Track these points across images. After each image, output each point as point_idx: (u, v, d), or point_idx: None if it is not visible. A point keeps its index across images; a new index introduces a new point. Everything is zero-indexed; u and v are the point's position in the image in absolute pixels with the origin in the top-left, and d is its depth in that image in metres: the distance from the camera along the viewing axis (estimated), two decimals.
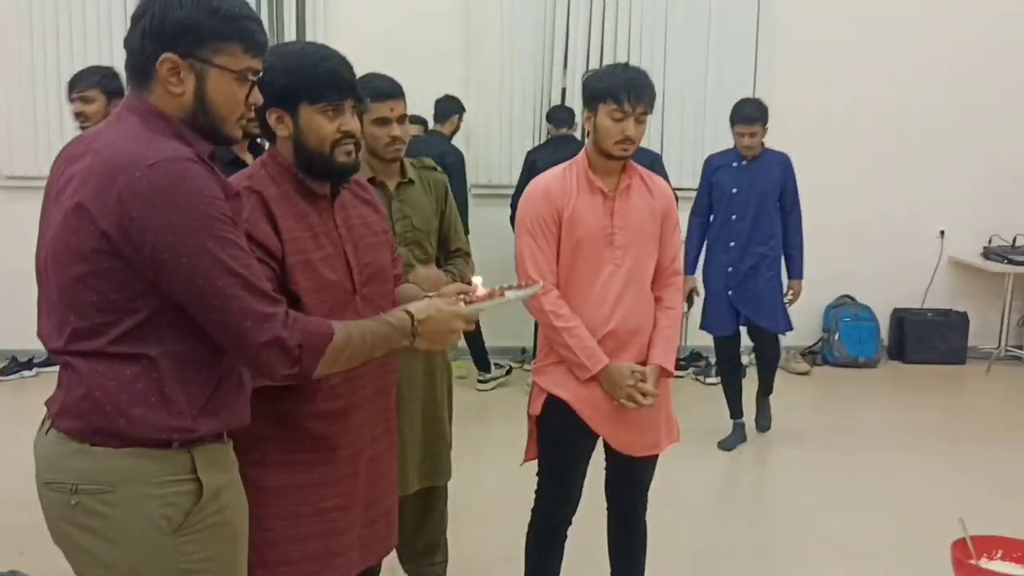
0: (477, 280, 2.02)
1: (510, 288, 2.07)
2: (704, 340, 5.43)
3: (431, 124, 6.07)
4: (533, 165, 5.49)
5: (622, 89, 2.57)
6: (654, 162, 5.42)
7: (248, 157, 2.38)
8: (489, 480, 4.35)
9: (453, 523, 3.17)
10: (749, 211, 4.79)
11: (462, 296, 1.97)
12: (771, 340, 5.00)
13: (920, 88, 6.72)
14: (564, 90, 6.67)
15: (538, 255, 2.62)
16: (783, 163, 4.88)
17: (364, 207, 2.12)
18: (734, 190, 4.82)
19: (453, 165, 5.85)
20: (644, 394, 2.60)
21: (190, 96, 1.59)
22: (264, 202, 1.91)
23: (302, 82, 1.88)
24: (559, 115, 6.19)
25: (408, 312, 1.83)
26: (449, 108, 6.07)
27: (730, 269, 4.83)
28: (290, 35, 6.40)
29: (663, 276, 2.75)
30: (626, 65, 2.67)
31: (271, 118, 1.93)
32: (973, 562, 2.01)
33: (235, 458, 1.74)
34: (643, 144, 3.04)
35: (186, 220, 1.49)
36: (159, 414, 1.57)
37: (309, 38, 6.32)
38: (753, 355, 6.43)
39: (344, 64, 1.95)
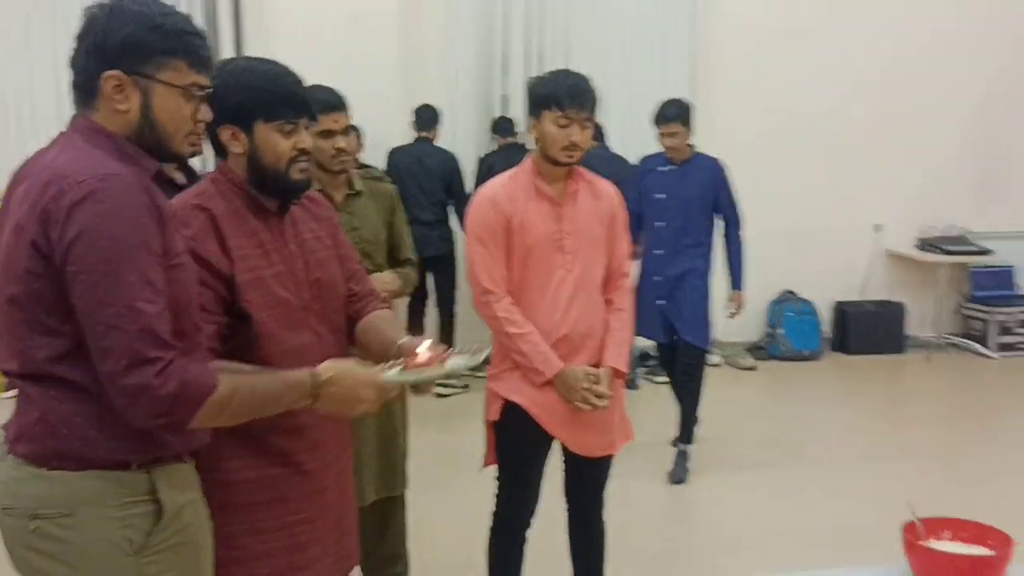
0: (424, 345, 1.94)
1: (458, 353, 2.01)
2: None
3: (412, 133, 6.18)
4: (490, 169, 5.48)
5: (565, 96, 2.60)
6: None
7: (178, 176, 2.36)
8: (448, 487, 4.35)
9: (413, 532, 3.17)
10: (676, 218, 4.51)
11: (397, 363, 1.90)
12: (695, 355, 4.60)
13: (853, 92, 6.88)
14: (504, 97, 6.71)
15: (489, 263, 2.64)
16: (713, 169, 4.62)
17: (314, 222, 2.11)
18: (661, 196, 4.56)
19: (456, 167, 6.07)
20: (599, 396, 2.63)
21: (136, 113, 1.58)
22: (213, 220, 1.89)
23: (258, 99, 1.88)
24: (502, 125, 6.31)
25: (311, 372, 1.75)
26: (435, 115, 6.19)
27: (657, 278, 4.52)
28: (225, 42, 6.33)
29: (613, 279, 2.79)
30: (568, 71, 2.70)
31: (224, 135, 1.91)
32: (923, 543, 2.07)
33: (196, 477, 1.73)
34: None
35: (100, 240, 1.46)
36: (117, 436, 1.56)
37: (246, 47, 6.26)
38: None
39: (299, 82, 1.95)
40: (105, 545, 1.55)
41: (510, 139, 6.21)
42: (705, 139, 6.73)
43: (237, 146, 1.93)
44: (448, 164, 6.11)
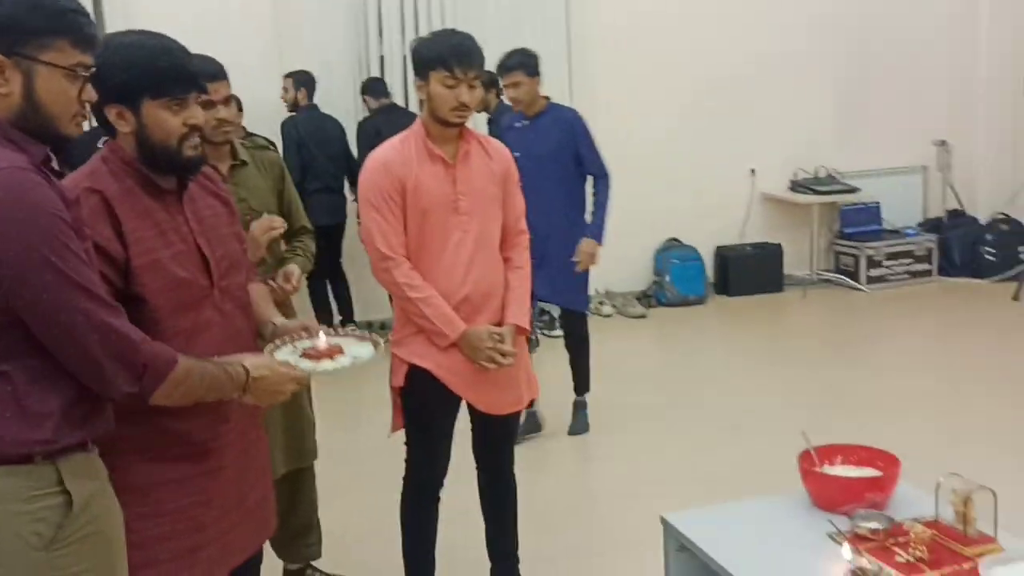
0: (321, 336, 2.04)
1: (347, 336, 2.14)
2: None
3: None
4: (378, 133, 5.33)
5: (452, 56, 2.58)
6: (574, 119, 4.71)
7: None
8: (357, 455, 4.34)
9: (324, 502, 3.17)
10: (531, 177, 3.87)
11: (300, 347, 2.02)
12: (573, 318, 4.52)
13: (725, 43, 7.05)
14: (382, 58, 6.61)
15: (386, 228, 2.63)
16: (568, 121, 4.29)
17: (212, 199, 2.07)
18: (516, 154, 4.02)
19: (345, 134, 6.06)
20: (504, 354, 2.67)
21: (18, 96, 1.51)
22: (105, 202, 1.83)
23: (143, 77, 1.81)
24: (376, 86, 6.21)
25: (244, 368, 1.83)
26: (384, 86, 6.16)
27: None
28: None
29: (510, 237, 2.82)
30: (453, 31, 2.69)
31: (111, 114, 1.84)
32: (818, 469, 2.20)
33: (102, 466, 1.69)
34: None
35: (28, 233, 1.45)
36: (18, 429, 1.52)
37: (108, 14, 5.96)
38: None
39: (186, 55, 1.89)
40: (15, 541, 1.51)
41: (384, 101, 6.14)
42: (582, 91, 6.86)
43: (125, 125, 1.86)
44: (342, 130, 6.07)
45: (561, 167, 4.29)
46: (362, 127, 5.99)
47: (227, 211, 2.12)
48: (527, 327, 2.80)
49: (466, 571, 3.14)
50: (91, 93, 1.61)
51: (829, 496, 2.12)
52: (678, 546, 2.16)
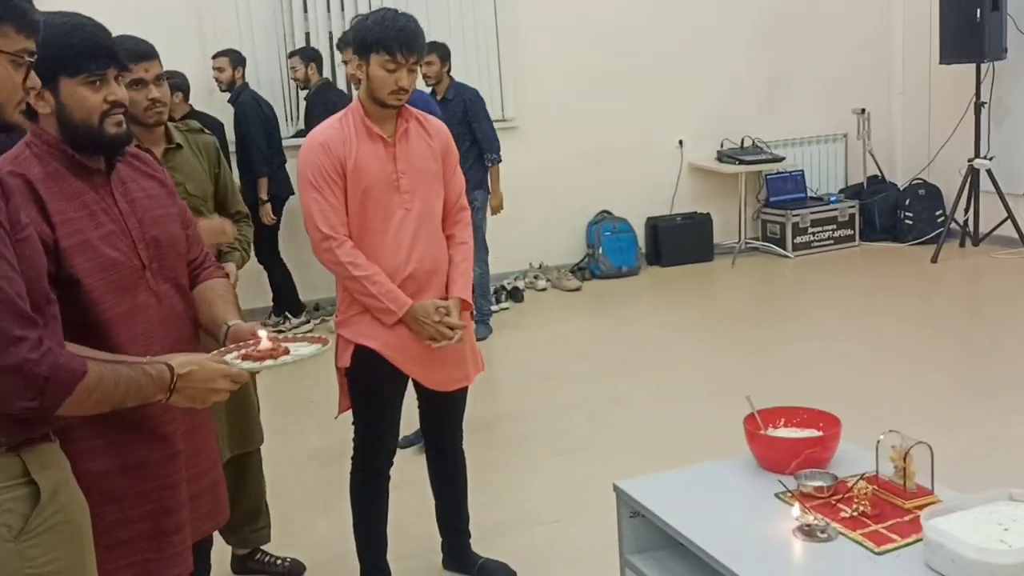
0: (262, 333, 1.93)
1: (297, 339, 2.02)
2: (496, 268, 5.58)
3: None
4: (334, 105, 5.25)
5: (394, 41, 2.56)
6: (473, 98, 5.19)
7: None
8: (302, 437, 4.32)
9: (271, 486, 3.15)
10: None
11: (242, 350, 1.89)
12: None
13: (650, 20, 7.17)
14: (307, 35, 6.51)
15: (327, 208, 2.61)
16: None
17: (147, 180, 2.03)
18: None
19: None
20: (451, 327, 2.68)
21: None
22: (30, 185, 1.79)
23: (58, 55, 1.76)
24: (320, 58, 6.19)
25: (168, 365, 1.72)
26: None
27: None
28: None
29: (451, 213, 2.82)
30: (396, 14, 2.64)
31: (30, 96, 1.79)
32: (763, 432, 2.26)
33: (64, 455, 1.66)
34: None
35: None
36: None
37: None
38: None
39: (102, 30, 1.84)
40: None
41: (325, 76, 6.14)
42: (511, 67, 6.87)
43: (44, 106, 1.82)
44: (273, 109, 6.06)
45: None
46: (318, 97, 5.90)
47: (164, 192, 2.08)
48: (471, 301, 2.82)
49: (418, 546, 3.16)
50: (35, 80, 1.57)
51: (775, 458, 2.18)
52: (631, 512, 2.20)
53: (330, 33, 6.53)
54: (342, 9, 6.53)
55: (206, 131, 2.91)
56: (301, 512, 3.57)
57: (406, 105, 2.72)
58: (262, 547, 3.14)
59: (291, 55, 6.13)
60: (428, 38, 4.86)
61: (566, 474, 3.82)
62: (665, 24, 7.18)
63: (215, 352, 1.88)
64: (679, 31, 7.22)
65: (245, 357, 1.86)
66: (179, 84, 5.49)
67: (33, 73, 1.56)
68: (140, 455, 1.92)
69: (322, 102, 5.69)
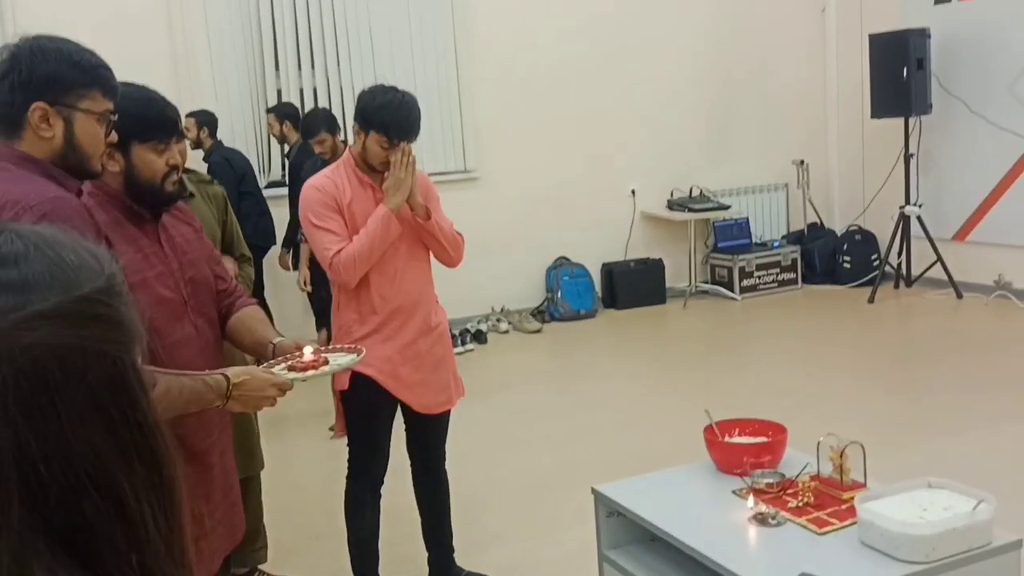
0: (307, 349, 2.20)
1: (334, 350, 2.32)
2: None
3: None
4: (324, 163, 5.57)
5: (394, 129, 2.86)
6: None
7: None
8: (297, 461, 4.55)
9: (268, 507, 3.39)
10: None
11: (288, 362, 2.17)
12: None
13: (604, 76, 7.60)
14: (279, 92, 6.82)
15: (330, 236, 2.86)
16: None
17: (183, 226, 2.31)
18: None
19: None
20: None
21: (59, 139, 1.75)
22: (99, 230, 2.06)
23: (133, 124, 2.05)
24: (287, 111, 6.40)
25: (225, 376, 1.99)
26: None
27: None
28: None
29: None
30: (402, 101, 2.90)
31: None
32: (721, 440, 2.58)
33: None
34: None
35: None
36: None
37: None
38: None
39: (169, 105, 2.15)
40: None
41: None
42: (472, 121, 7.24)
43: (114, 165, 2.10)
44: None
45: None
46: (304, 155, 6.14)
47: (196, 237, 2.37)
48: (428, 216, 2.99)
49: (406, 561, 3.41)
50: (114, 136, 1.86)
51: (731, 460, 2.50)
52: (608, 512, 2.50)
53: (300, 91, 6.85)
54: (312, 68, 6.86)
55: (214, 182, 3.20)
56: (295, 533, 3.79)
57: None
58: (259, 566, 3.37)
59: (268, 111, 6.40)
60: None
61: (536, 496, 4.10)
62: (618, 81, 7.63)
63: (264, 365, 2.16)
64: (632, 87, 7.68)
65: (291, 368, 2.15)
66: (206, 120, 5.81)
67: (112, 129, 1.86)
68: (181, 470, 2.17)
69: (310, 160, 5.95)
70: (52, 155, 1.76)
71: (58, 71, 1.73)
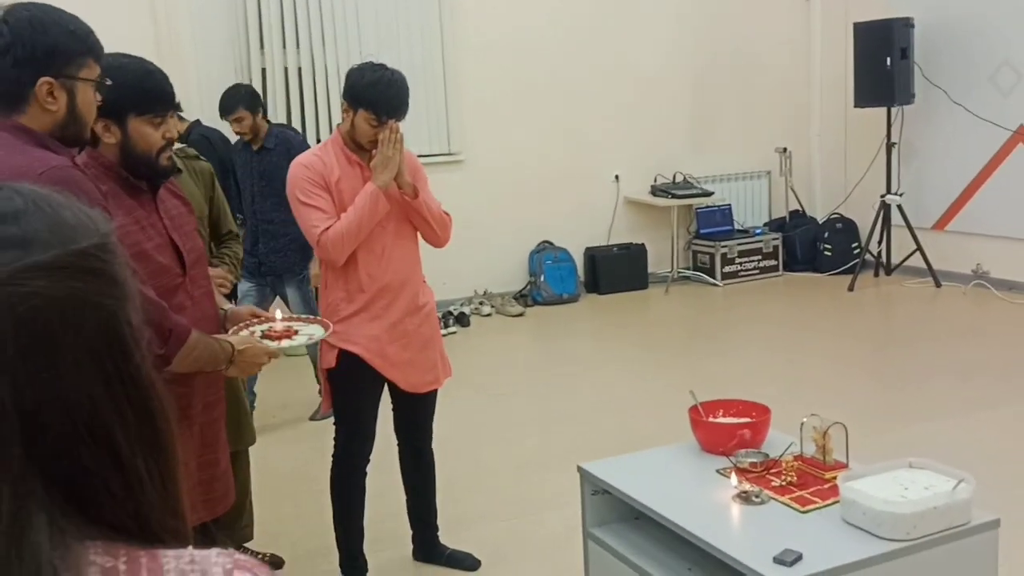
0: (277, 314, 2.41)
1: (297, 319, 2.56)
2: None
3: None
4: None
5: (383, 107, 2.87)
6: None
7: None
8: (283, 439, 4.56)
9: (256, 484, 3.40)
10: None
11: (258, 330, 2.34)
12: None
13: (589, 63, 7.59)
14: (264, 70, 6.77)
15: (316, 213, 2.87)
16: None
17: (176, 199, 2.32)
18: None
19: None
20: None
21: (63, 110, 1.76)
22: (103, 198, 2.06)
23: (130, 97, 2.05)
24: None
25: (230, 343, 2.15)
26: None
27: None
28: None
29: None
30: (391, 79, 2.90)
31: (98, 127, 2.07)
32: (705, 420, 2.61)
33: None
34: None
35: None
36: None
37: None
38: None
39: (165, 78, 2.16)
40: None
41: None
42: (456, 102, 7.23)
43: (110, 137, 2.10)
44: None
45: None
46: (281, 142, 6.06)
47: (187, 211, 2.38)
48: (416, 195, 3.01)
49: (391, 538, 3.43)
50: (98, 98, 1.87)
51: (715, 440, 2.53)
52: (593, 490, 2.53)
53: (285, 69, 6.81)
54: (297, 47, 6.82)
55: (202, 158, 3.19)
56: (280, 512, 3.80)
57: None
58: (245, 544, 3.37)
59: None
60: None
61: (520, 477, 4.13)
62: (603, 66, 7.63)
63: (232, 329, 2.26)
64: (617, 73, 7.69)
65: (265, 336, 2.23)
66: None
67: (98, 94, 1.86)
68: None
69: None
70: (53, 126, 1.76)
71: (58, 43, 1.73)
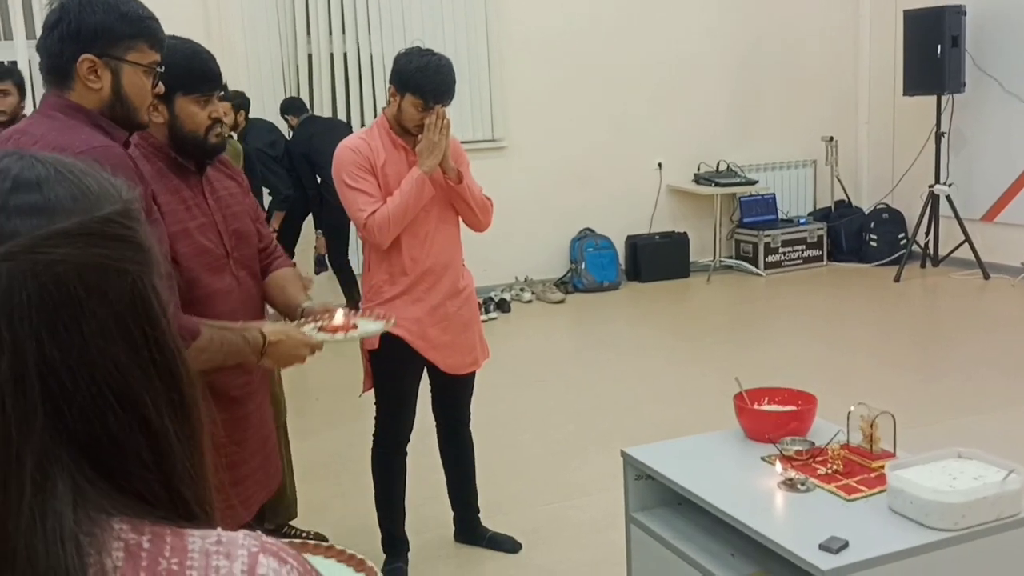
0: (339, 312, 2.28)
1: (363, 315, 2.40)
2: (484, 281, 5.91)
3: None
4: (311, 137, 5.74)
5: (431, 93, 2.89)
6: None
7: None
8: (325, 423, 4.62)
9: (298, 465, 3.44)
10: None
11: (318, 323, 2.24)
12: None
13: (634, 51, 7.56)
14: (310, 56, 6.82)
15: (363, 197, 2.89)
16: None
17: (228, 180, 2.34)
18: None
19: None
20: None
21: (107, 90, 1.77)
22: (143, 180, 2.09)
23: (177, 76, 2.07)
24: (295, 104, 6.39)
25: (262, 333, 2.06)
26: (301, 103, 6.41)
27: None
28: (15, 11, 6.08)
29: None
30: (438, 64, 2.92)
31: None
32: (751, 407, 2.60)
33: None
34: None
35: None
36: None
37: (38, 23, 6.03)
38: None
39: (212, 58, 2.18)
40: None
41: (304, 116, 6.30)
42: (501, 91, 7.23)
43: (158, 116, 2.13)
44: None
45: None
46: (295, 142, 6.17)
47: (241, 191, 2.40)
48: (460, 180, 3.04)
49: (433, 520, 3.46)
50: (160, 87, 1.88)
51: (761, 428, 2.51)
52: (636, 475, 2.52)
53: (331, 56, 6.85)
54: (343, 33, 6.86)
55: (232, 137, 3.22)
56: (323, 492, 3.85)
57: None
58: (290, 522, 3.42)
59: (222, 99, 6.21)
60: None
61: (560, 462, 4.14)
62: (647, 53, 7.58)
63: (294, 324, 2.20)
64: (661, 60, 7.63)
65: (321, 330, 2.20)
66: (242, 103, 5.81)
67: (159, 81, 1.88)
68: (211, 412, 2.22)
69: (305, 136, 6.00)
70: (101, 106, 1.78)
71: (106, 22, 1.75)
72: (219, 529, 0.67)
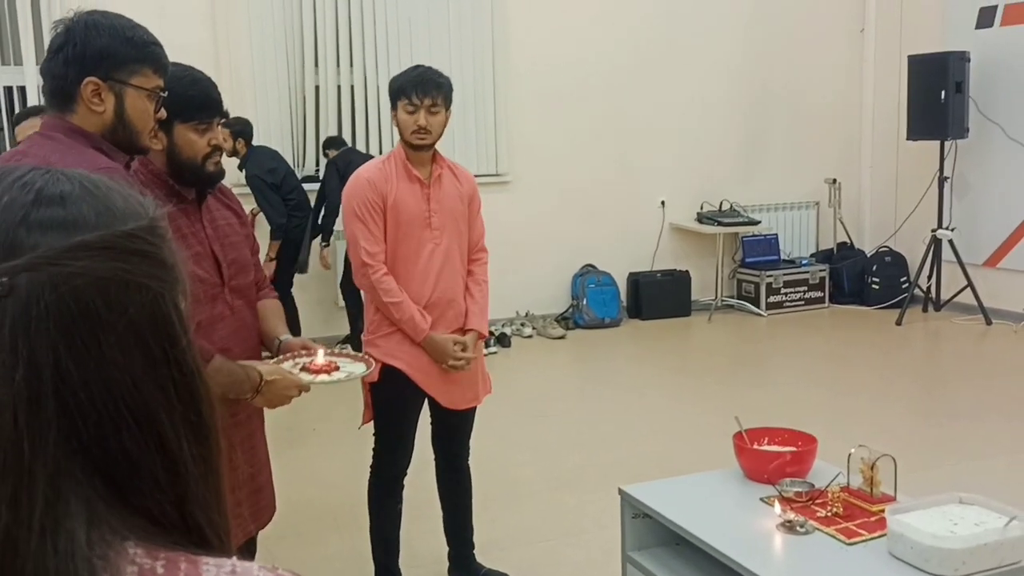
0: (320, 352, 2.31)
1: (343, 355, 2.42)
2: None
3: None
4: (349, 163, 5.81)
5: (411, 87, 2.93)
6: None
7: None
8: (310, 461, 4.57)
9: (290, 499, 3.41)
10: None
11: (300, 362, 2.27)
12: None
13: (639, 89, 7.62)
14: (317, 88, 6.87)
15: (369, 237, 2.93)
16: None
17: (227, 210, 2.35)
18: None
19: None
20: (466, 360, 3.01)
21: (111, 113, 1.78)
22: None
23: (176, 103, 2.08)
24: (335, 141, 6.58)
25: (259, 372, 2.09)
26: (341, 139, 6.64)
27: None
28: (26, 36, 6.13)
29: (473, 252, 3.16)
30: (419, 65, 3.02)
31: None
32: (750, 447, 2.58)
33: None
34: None
35: None
36: None
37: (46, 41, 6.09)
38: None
39: (213, 86, 2.18)
40: None
41: (343, 148, 6.44)
42: (506, 127, 7.27)
43: (157, 143, 2.13)
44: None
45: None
46: (335, 164, 6.27)
47: (239, 221, 2.40)
48: (485, 333, 3.16)
49: (427, 556, 3.42)
50: (162, 112, 1.89)
51: (760, 468, 2.49)
52: (633, 513, 2.50)
53: (338, 88, 6.90)
54: (351, 66, 6.91)
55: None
56: (317, 524, 3.81)
57: (440, 154, 3.07)
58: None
59: (223, 125, 6.30)
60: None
61: (557, 499, 4.10)
62: (651, 92, 7.64)
63: (273, 360, 2.21)
64: (666, 99, 7.69)
65: (303, 369, 2.20)
66: (242, 131, 5.85)
67: (160, 106, 1.89)
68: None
69: (344, 161, 6.07)
70: (103, 129, 1.79)
71: (111, 46, 1.76)
72: (235, 558, 0.65)
